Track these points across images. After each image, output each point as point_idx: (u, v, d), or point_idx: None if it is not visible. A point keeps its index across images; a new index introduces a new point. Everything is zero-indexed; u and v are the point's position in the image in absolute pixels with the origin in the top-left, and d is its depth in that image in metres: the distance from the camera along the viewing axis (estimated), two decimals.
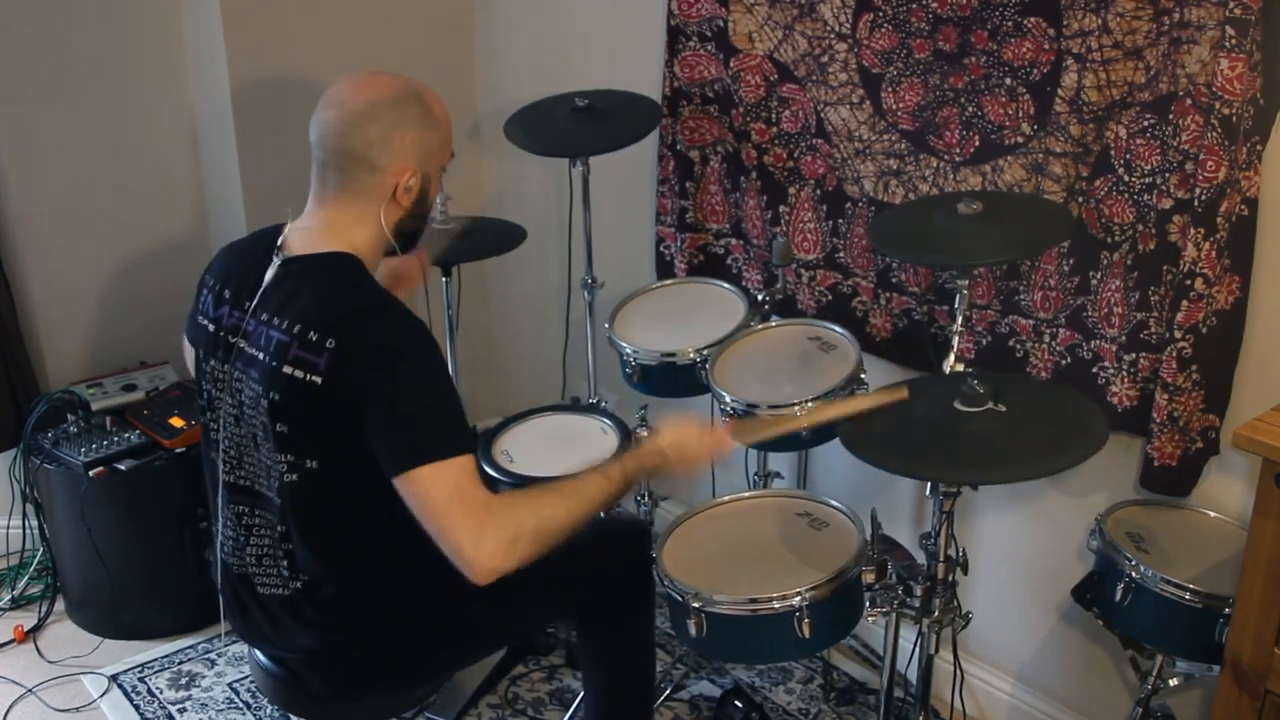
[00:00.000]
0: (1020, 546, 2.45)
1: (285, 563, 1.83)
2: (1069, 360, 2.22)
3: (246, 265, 1.83)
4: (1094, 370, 2.18)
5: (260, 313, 1.76)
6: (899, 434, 1.90)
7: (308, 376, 1.68)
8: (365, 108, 1.77)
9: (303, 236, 1.80)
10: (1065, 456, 1.81)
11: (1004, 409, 1.86)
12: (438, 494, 1.65)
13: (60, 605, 2.98)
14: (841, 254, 2.54)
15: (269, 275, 1.78)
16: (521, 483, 2.42)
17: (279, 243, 1.81)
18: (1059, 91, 2.10)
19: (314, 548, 1.80)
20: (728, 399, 2.23)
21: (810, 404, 2.14)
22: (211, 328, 1.84)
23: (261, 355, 1.74)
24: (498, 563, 1.65)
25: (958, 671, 2.25)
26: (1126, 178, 2.06)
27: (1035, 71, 2.12)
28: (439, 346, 1.74)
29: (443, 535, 1.66)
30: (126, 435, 2.80)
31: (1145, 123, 2.01)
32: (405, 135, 1.77)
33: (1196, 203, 1.93)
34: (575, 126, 2.59)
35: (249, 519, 1.86)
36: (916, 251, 2.12)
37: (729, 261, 2.77)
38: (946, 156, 2.30)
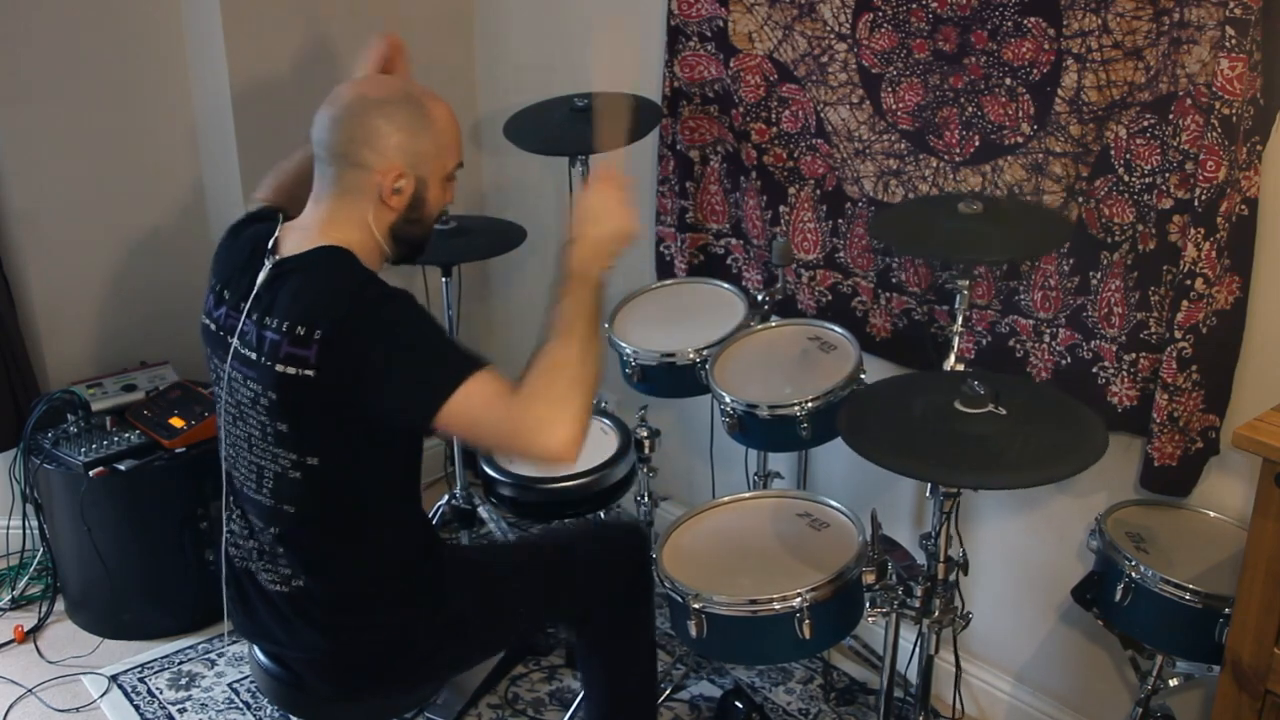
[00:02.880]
0: (1020, 546, 2.45)
1: (284, 560, 1.83)
2: (1069, 360, 2.22)
3: (242, 266, 1.84)
4: (1094, 370, 2.18)
5: (253, 314, 1.77)
6: (899, 431, 1.90)
7: (300, 371, 1.69)
8: (351, 103, 1.78)
9: (295, 236, 1.82)
10: (1066, 464, 1.81)
11: (1004, 412, 1.86)
12: (478, 413, 1.66)
13: (60, 605, 2.98)
14: (841, 254, 2.54)
15: (261, 277, 1.79)
16: (522, 483, 2.43)
17: (270, 244, 1.82)
18: (1059, 91, 2.10)
19: (315, 546, 1.80)
20: (728, 399, 2.23)
21: (810, 404, 2.15)
22: (212, 327, 1.86)
23: (256, 356, 1.75)
24: (569, 433, 1.65)
25: (958, 671, 2.25)
26: (1126, 178, 2.06)
27: (1035, 71, 2.12)
28: (422, 305, 1.74)
29: (503, 445, 1.69)
30: (126, 435, 2.80)
31: (1145, 123, 2.01)
32: (390, 135, 1.76)
33: (1196, 203, 1.93)
34: (574, 126, 2.59)
35: (249, 517, 1.86)
36: (917, 247, 2.12)
37: (729, 261, 2.77)
38: (946, 156, 2.30)
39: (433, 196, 1.84)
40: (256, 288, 1.78)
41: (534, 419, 1.65)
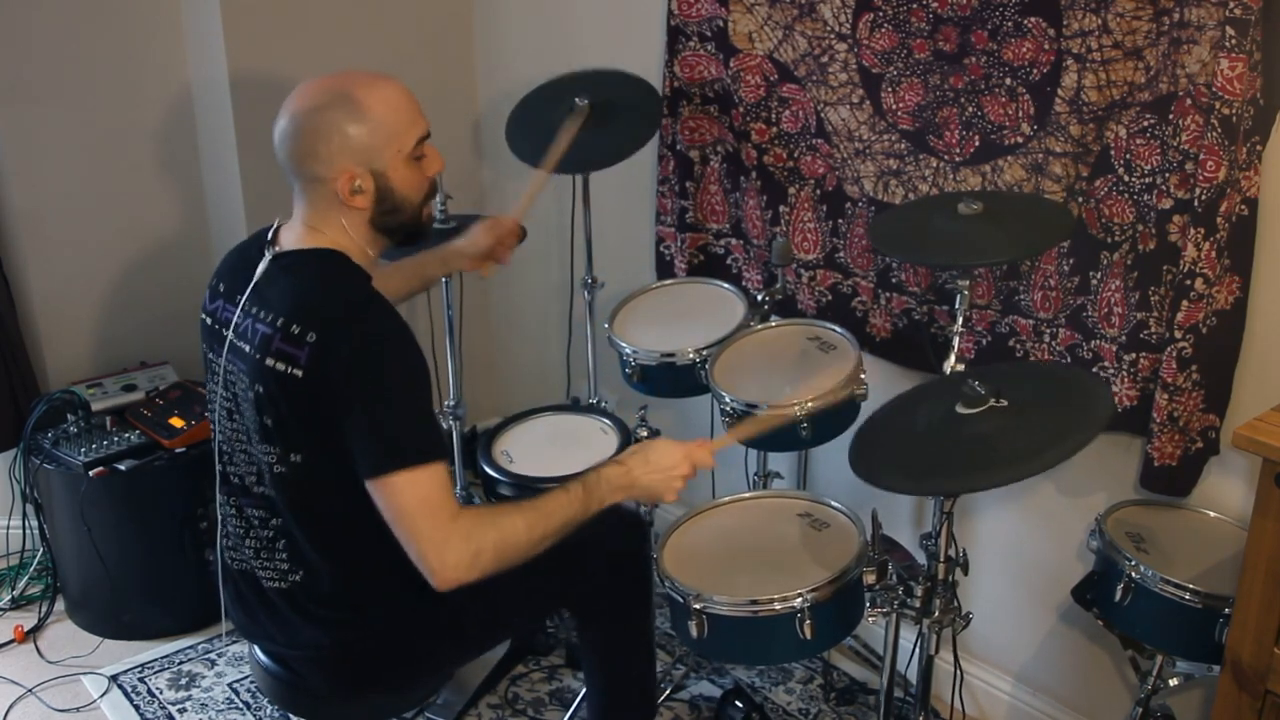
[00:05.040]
0: (1020, 546, 2.45)
1: (283, 555, 1.83)
2: (1069, 360, 2.22)
3: (240, 261, 1.86)
4: (1094, 370, 2.18)
5: (250, 306, 1.78)
6: (901, 447, 1.89)
7: (289, 369, 1.69)
8: (289, 121, 1.76)
9: (293, 232, 1.82)
10: (1066, 443, 1.76)
11: (1005, 404, 1.84)
12: (408, 501, 1.68)
13: (60, 605, 2.98)
14: (841, 254, 2.54)
15: (260, 270, 1.79)
16: (521, 483, 2.42)
17: (269, 237, 1.83)
18: (1059, 91, 2.10)
19: (309, 540, 1.80)
20: (727, 399, 2.23)
21: (810, 404, 2.15)
22: (209, 321, 1.87)
23: (248, 348, 1.75)
24: (459, 575, 1.69)
25: (958, 671, 2.25)
26: (1126, 178, 2.06)
27: (1035, 71, 2.12)
28: (420, 349, 1.74)
29: (410, 543, 1.69)
30: (126, 435, 2.80)
31: (1145, 123, 2.01)
32: (331, 141, 1.73)
33: (1196, 203, 1.93)
34: (577, 139, 2.54)
35: (246, 513, 1.87)
36: (916, 252, 2.12)
37: (729, 261, 2.77)
38: (946, 156, 2.30)
39: (401, 181, 1.79)
40: (255, 280, 1.79)
41: (445, 542, 1.68)
